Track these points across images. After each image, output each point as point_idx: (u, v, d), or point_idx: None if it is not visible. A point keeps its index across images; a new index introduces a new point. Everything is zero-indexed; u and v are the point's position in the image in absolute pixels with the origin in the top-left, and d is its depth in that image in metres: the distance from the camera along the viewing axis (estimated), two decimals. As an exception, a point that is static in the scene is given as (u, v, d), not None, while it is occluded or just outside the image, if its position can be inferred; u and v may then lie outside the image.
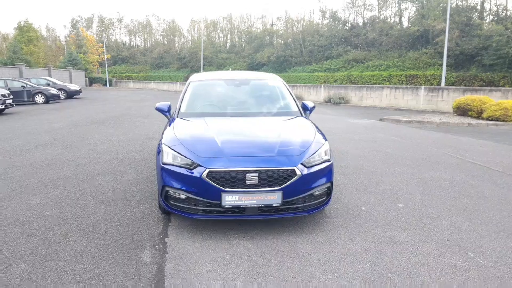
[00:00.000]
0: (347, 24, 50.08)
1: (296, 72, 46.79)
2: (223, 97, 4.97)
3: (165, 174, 3.61)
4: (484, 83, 28.72)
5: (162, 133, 4.29)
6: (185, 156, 3.53)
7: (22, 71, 28.22)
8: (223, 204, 3.39)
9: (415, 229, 3.81)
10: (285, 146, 3.65)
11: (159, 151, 3.90)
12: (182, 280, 2.87)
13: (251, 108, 4.75)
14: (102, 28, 70.54)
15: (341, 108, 21.35)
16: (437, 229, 3.83)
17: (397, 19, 48.65)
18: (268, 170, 3.40)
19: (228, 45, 63.74)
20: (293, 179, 3.44)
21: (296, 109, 4.79)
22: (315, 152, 3.67)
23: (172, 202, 3.61)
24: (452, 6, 34.45)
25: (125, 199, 4.64)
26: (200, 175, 3.39)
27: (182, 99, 4.80)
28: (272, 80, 5.37)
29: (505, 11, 39.55)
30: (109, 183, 5.33)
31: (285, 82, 5.31)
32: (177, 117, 4.55)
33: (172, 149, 3.66)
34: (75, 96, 25.43)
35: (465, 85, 27.34)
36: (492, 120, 13.58)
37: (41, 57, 41.08)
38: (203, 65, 50.53)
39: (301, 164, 3.51)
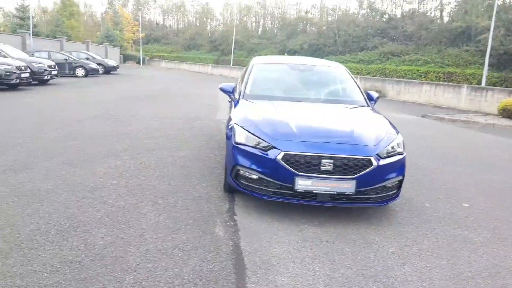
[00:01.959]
0: (384, 15, 48.74)
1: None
2: (288, 81, 4.94)
3: (238, 153, 3.63)
4: (528, 86, 27.44)
5: (230, 114, 4.32)
6: (259, 137, 3.54)
7: (63, 44, 28.95)
8: (295, 187, 3.39)
9: (486, 230, 3.72)
10: (361, 135, 3.60)
11: (229, 131, 3.93)
12: (260, 258, 2.90)
13: (317, 94, 4.71)
14: (138, 7, 71.18)
15: (378, 101, 20.91)
16: (510, 231, 3.72)
17: (437, 13, 46.99)
18: (343, 157, 3.37)
19: (260, 31, 63.25)
20: (368, 169, 3.40)
21: (362, 98, 4.71)
22: (389, 144, 3.61)
23: (243, 182, 3.64)
24: (499, 3, 32.86)
25: (185, 175, 4.71)
26: (275, 157, 3.39)
27: (247, 81, 4.78)
28: (336, 68, 5.30)
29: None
30: (166, 158, 5.42)
31: (348, 70, 5.22)
32: (242, 98, 4.55)
33: (246, 130, 3.67)
34: (111, 72, 25.91)
35: (506, 86, 26.23)
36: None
37: (81, 31, 41.99)
38: (234, 49, 50.38)
39: (377, 154, 3.46)
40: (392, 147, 3.62)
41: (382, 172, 3.47)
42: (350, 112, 4.25)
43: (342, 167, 3.37)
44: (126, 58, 47.26)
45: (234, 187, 3.80)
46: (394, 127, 3.98)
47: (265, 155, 3.45)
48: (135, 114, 9.26)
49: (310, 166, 3.37)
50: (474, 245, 3.38)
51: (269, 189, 3.50)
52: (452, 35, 39.80)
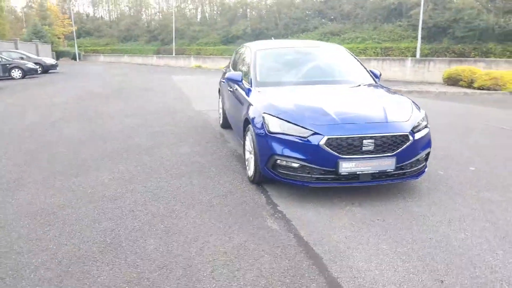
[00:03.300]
0: (322, -5, 49.66)
1: (272, 44, 46.27)
2: (296, 65, 4.86)
3: (274, 143, 3.54)
4: (455, 55, 29.60)
5: (249, 104, 4.18)
6: (297, 124, 3.47)
7: (-13, 44, 26.27)
8: (339, 171, 3.38)
9: (502, 189, 3.98)
10: (394, 112, 3.66)
11: (253, 121, 3.82)
12: (329, 246, 2.86)
13: (328, 76, 4.70)
14: (64, -1, 66.26)
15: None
16: (525, 189, 4.01)
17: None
18: (383, 136, 3.41)
19: (199, 17, 61.86)
20: (406, 144, 3.47)
21: (369, 76, 4.78)
22: (418, 118, 3.71)
23: (282, 171, 3.56)
24: (427, -22, 34.80)
25: (201, 172, 4.52)
26: (318, 143, 3.34)
27: (255, 69, 4.63)
28: (337, 49, 5.32)
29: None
30: (171, 156, 5.16)
31: (349, 50, 5.26)
32: (255, 86, 4.41)
33: (279, 118, 3.57)
34: (50, 71, 24.01)
35: (438, 56, 28.03)
36: (483, 89, 14.12)
37: (6, 29, 38.20)
38: (175, 37, 48.88)
39: (411, 129, 3.54)
40: (421, 121, 3.73)
41: (416, 146, 3.57)
42: (371, 91, 4.32)
43: (382, 146, 3.41)
44: (59, 55, 44.02)
45: (270, 177, 3.71)
46: (414, 103, 4.08)
47: (306, 142, 3.39)
48: (105, 112, 8.69)
49: (352, 148, 3.37)
50: (501, 204, 3.60)
51: (312, 175, 3.46)
52: (386, 12, 41.62)
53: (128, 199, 3.76)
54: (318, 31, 44.71)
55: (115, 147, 5.60)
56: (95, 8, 71.49)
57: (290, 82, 4.47)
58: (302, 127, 3.44)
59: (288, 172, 3.53)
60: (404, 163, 3.53)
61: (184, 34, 55.43)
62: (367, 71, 4.87)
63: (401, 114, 3.66)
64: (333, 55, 5.20)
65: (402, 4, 40.03)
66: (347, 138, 3.35)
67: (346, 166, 3.37)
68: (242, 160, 4.95)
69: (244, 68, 5.05)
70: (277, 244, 2.89)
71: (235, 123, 5.10)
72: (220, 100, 6.81)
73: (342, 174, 3.39)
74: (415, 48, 25.67)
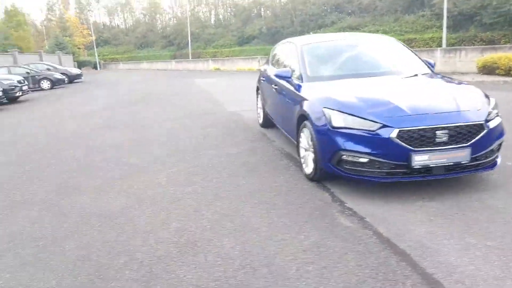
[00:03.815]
0: (338, -10, 49.11)
1: (289, 43, 46.01)
2: (346, 58, 4.74)
3: (339, 138, 3.44)
4: (484, 43, 28.68)
5: (302, 99, 4.10)
6: (363, 118, 3.36)
7: (16, 57, 26.84)
8: (412, 164, 3.25)
9: None
10: (466, 101, 3.51)
11: (311, 117, 3.74)
12: (413, 242, 2.75)
13: (382, 67, 4.57)
14: (81, 10, 67.67)
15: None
16: None
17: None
18: (457, 126, 3.27)
19: (213, 20, 62.15)
20: (481, 134, 3.33)
21: (424, 66, 4.62)
22: (491, 106, 3.56)
23: (348, 167, 3.46)
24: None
25: (254, 170, 4.47)
26: (389, 136, 3.23)
27: (303, 63, 4.54)
28: (386, 39, 5.20)
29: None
30: (219, 157, 5.12)
31: (398, 40, 5.11)
32: (306, 81, 4.32)
33: (342, 112, 3.47)
34: (75, 81, 24.53)
35: (464, 45, 27.27)
36: (521, 77, 13.64)
37: (31, 42, 39.23)
38: (190, 41, 49.25)
39: (485, 118, 3.39)
40: (493, 109, 3.57)
41: (491, 135, 3.42)
42: (434, 80, 4.18)
43: (456, 136, 3.28)
44: (80, 64, 44.90)
45: (333, 174, 3.61)
46: (482, 91, 3.92)
47: (375, 136, 3.28)
48: (141, 118, 8.76)
49: (425, 139, 3.24)
50: None
51: (382, 170, 3.35)
52: (406, 2, 40.70)
53: (190, 200, 3.73)
54: (336, 26, 44.17)
55: (162, 151, 5.60)
56: (111, 17, 72.70)
57: (342, 76, 4.35)
58: (369, 120, 3.33)
59: (355, 168, 3.43)
60: (478, 154, 3.38)
61: (199, 38, 55.75)
62: (421, 60, 4.71)
63: (473, 103, 3.51)
64: (383, 46, 5.07)
65: (424, -7, 39.05)
66: (419, 129, 3.23)
67: (419, 159, 3.24)
68: (292, 158, 4.87)
69: (290, 64, 4.95)
70: (357, 241, 2.80)
71: (284, 121, 5.02)
72: (259, 99, 6.74)
73: (414, 167, 3.27)
74: (440, 38, 25.00)
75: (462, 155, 3.29)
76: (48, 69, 22.49)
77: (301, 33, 46.08)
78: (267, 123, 6.46)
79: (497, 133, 3.49)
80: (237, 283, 2.38)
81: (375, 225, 3.03)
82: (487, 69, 15.07)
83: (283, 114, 4.94)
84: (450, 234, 2.84)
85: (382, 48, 5.03)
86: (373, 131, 3.30)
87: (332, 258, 2.61)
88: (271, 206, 3.47)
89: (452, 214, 3.16)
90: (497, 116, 3.59)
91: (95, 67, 47.99)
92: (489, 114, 3.46)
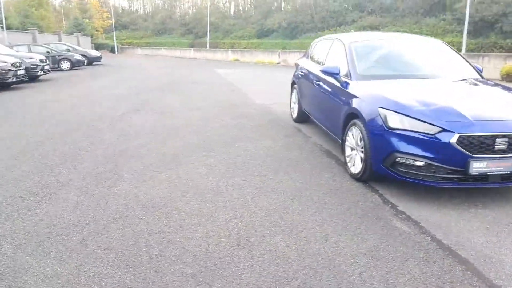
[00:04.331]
0: (360, -12, 48.54)
1: (309, 39, 45.53)
2: (395, 58, 4.64)
3: (395, 139, 3.35)
4: (503, 50, 28.17)
5: (352, 97, 4.01)
6: (422, 120, 3.27)
7: (35, 37, 26.99)
8: (469, 171, 3.16)
9: None
10: None
11: (363, 116, 3.67)
12: (475, 251, 2.67)
13: (432, 70, 4.46)
14: (101, -8, 67.77)
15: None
16: None
17: (411, -16, 47.01)
18: (518, 135, 3.16)
19: (232, 11, 61.86)
20: (540, 144, 3.21)
21: (474, 70, 4.50)
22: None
23: (403, 169, 3.37)
24: (475, -30, 33.31)
25: (295, 167, 4.40)
26: (449, 141, 3.14)
27: (353, 61, 4.44)
28: (435, 42, 5.08)
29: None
30: (256, 150, 5.06)
31: (448, 44, 4.99)
32: (355, 79, 4.23)
33: (400, 113, 3.38)
34: (95, 63, 24.61)
35: (484, 51, 26.81)
36: (547, 86, 13.34)
37: (52, 22, 39.44)
38: (209, 31, 49.07)
39: (544, 128, 3.27)
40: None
41: (550, 146, 3.29)
42: (488, 87, 4.08)
43: (517, 145, 3.17)
44: (98, 47, 45.04)
45: (386, 175, 3.53)
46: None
47: (435, 140, 3.19)
48: (169, 105, 8.73)
49: (484, 146, 3.15)
50: None
51: (437, 175, 3.26)
52: (428, 5, 40.15)
53: (234, 193, 3.68)
54: (357, 24, 43.67)
55: (196, 141, 5.55)
56: (130, 1, 72.70)
57: (392, 76, 4.25)
58: (429, 123, 3.23)
59: (410, 171, 3.34)
60: (535, 164, 3.27)
61: (219, 28, 55.55)
62: (471, 65, 4.59)
63: (531, 112, 3.39)
64: (432, 48, 4.94)
65: (446, -3, 38.53)
66: (479, 136, 3.13)
67: (477, 166, 3.15)
68: (333, 156, 4.80)
69: (335, 61, 4.85)
70: (417, 247, 2.73)
71: (326, 118, 4.93)
72: (295, 94, 6.65)
73: (471, 174, 3.18)
74: (460, 42, 24.60)
75: (519, 164, 3.19)
76: (68, 50, 22.58)
77: (321, 29, 45.64)
78: (302, 118, 6.38)
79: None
80: (299, 285, 2.33)
81: (432, 231, 2.95)
82: (511, 77, 14.80)
83: (326, 110, 4.85)
84: (511, 244, 2.76)
85: (431, 50, 4.90)
86: (432, 134, 3.21)
87: (394, 264, 2.54)
88: (321, 205, 3.41)
89: (508, 223, 3.08)
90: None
91: (112, 51, 48.11)
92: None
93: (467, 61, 4.65)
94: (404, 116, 3.35)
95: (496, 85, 4.22)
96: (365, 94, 3.88)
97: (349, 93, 4.14)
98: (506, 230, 2.97)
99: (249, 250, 2.70)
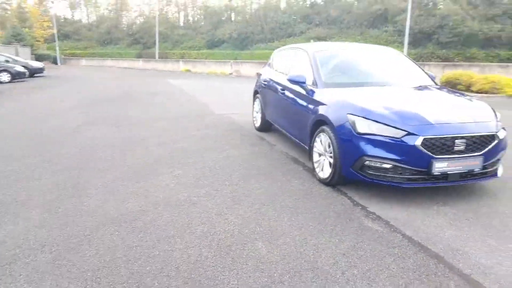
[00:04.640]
0: (307, 0, 50.31)
1: (259, 49, 46.35)
2: (357, 67, 4.88)
3: (364, 143, 3.53)
4: (440, 60, 30.53)
5: (319, 105, 4.16)
6: (389, 125, 3.46)
7: (-31, 47, 25.13)
8: (432, 171, 3.39)
9: None
10: (480, 113, 3.73)
11: (331, 122, 3.82)
12: (443, 245, 2.86)
13: (392, 77, 4.73)
14: (41, 1, 64.49)
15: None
16: None
17: (356, -3, 49.32)
18: (473, 136, 3.45)
19: (182, 21, 61.47)
20: (492, 144, 3.54)
21: (428, 78, 4.84)
22: (497, 118, 3.78)
23: (371, 172, 3.55)
24: (412, -15, 35.84)
25: (266, 175, 4.45)
26: (414, 144, 3.35)
27: (318, 70, 4.60)
28: (391, 51, 5.41)
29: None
30: (224, 159, 5.07)
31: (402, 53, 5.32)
32: (321, 87, 4.39)
33: (369, 119, 3.56)
34: (36, 75, 23.26)
35: (423, 61, 28.81)
36: (481, 93, 14.58)
37: (-12, 31, 36.79)
38: (158, 41, 48.34)
39: (496, 129, 3.60)
40: (498, 121, 3.79)
41: (499, 145, 3.64)
42: (444, 92, 4.41)
43: (472, 145, 3.46)
44: (39, 58, 42.62)
45: (355, 179, 3.69)
46: (487, 104, 4.15)
47: (401, 143, 3.39)
48: (127, 117, 8.43)
49: (445, 148, 3.40)
50: None
51: (403, 176, 3.46)
52: (371, 18, 42.47)
53: (209, 203, 3.66)
54: (305, 36, 45.10)
55: (161, 152, 5.44)
56: (73, 10, 69.84)
57: (356, 84, 4.46)
58: (395, 127, 3.44)
59: (378, 173, 3.52)
60: (488, 163, 3.58)
61: (168, 38, 54.88)
62: (425, 72, 4.93)
63: (485, 114, 3.73)
64: (389, 57, 5.25)
65: (388, 10, 40.99)
66: (441, 138, 3.38)
67: (439, 166, 3.39)
68: (299, 162, 4.92)
69: (299, 70, 4.99)
70: (391, 245, 2.88)
71: (292, 126, 5.04)
72: (257, 104, 6.74)
73: (434, 174, 3.41)
74: (402, 52, 26.35)
75: (475, 163, 3.48)
76: (7, 61, 21.15)
77: (271, 40, 46.61)
78: (265, 127, 6.48)
79: (503, 144, 3.73)
80: None
81: (402, 229, 3.13)
82: (450, 85, 15.98)
83: (293, 118, 4.97)
84: (473, 238, 2.99)
85: (389, 59, 5.21)
86: (398, 138, 3.41)
87: (373, 261, 2.66)
88: (295, 210, 3.49)
89: (467, 218, 3.32)
90: (503, 128, 3.82)
91: (54, 62, 45.76)
92: (497, 125, 3.68)
93: (422, 69, 5.00)
94: (372, 122, 3.54)
95: (450, 91, 4.57)
96: (332, 101, 4.03)
97: (316, 100, 4.29)
98: (467, 224, 3.21)
99: (232, 259, 2.70)
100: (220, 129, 6.98)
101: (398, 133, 3.41)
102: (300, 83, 4.63)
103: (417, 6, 37.00)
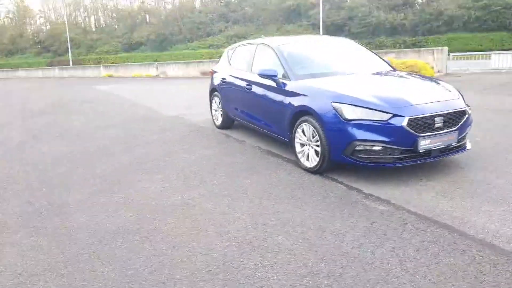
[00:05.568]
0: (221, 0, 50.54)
1: (179, 50, 45.62)
2: (321, 58, 5.01)
3: (353, 129, 3.65)
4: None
5: (295, 96, 4.25)
6: (376, 109, 3.63)
7: None
8: (418, 149, 3.63)
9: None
10: (449, 92, 4.07)
11: (317, 112, 3.91)
12: (448, 216, 3.05)
13: (357, 66, 4.94)
14: None
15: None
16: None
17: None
18: (448, 113, 3.76)
19: (93, 25, 58.11)
20: (464, 119, 3.89)
21: (386, 64, 5.15)
22: (462, 95, 4.17)
23: (363, 156, 3.68)
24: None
25: (250, 170, 4.40)
26: (401, 124, 3.55)
27: (287, 63, 4.66)
28: (347, 41, 5.65)
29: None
30: (198, 160, 4.90)
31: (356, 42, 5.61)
32: (294, 79, 4.46)
33: (354, 105, 3.69)
34: None
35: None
36: (401, 77, 15.93)
37: None
38: (70, 47, 45.11)
39: (466, 105, 3.98)
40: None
41: (468, 120, 4.01)
42: (410, 76, 4.74)
43: (448, 122, 3.77)
44: None
45: (348, 163, 3.81)
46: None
47: (387, 125, 3.57)
48: (72, 127, 7.74)
49: (427, 126, 3.65)
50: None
51: (392, 156, 3.66)
52: (286, 13, 44.09)
53: (207, 204, 3.53)
54: (224, 34, 45.36)
55: (127, 160, 5.10)
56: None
57: (325, 74, 4.58)
58: (381, 111, 3.61)
59: (369, 156, 3.67)
60: (461, 137, 3.93)
61: (81, 44, 51.70)
62: (383, 59, 5.25)
63: (452, 93, 4.08)
64: (347, 46, 5.49)
65: (300, 5, 42.88)
66: (423, 117, 3.63)
67: (423, 144, 3.64)
68: (275, 155, 4.95)
69: (265, 65, 5.00)
70: (402, 222, 3.01)
71: (266, 119, 5.01)
72: (216, 102, 6.62)
73: (419, 151, 3.65)
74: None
75: (452, 138, 3.80)
76: None
77: (190, 40, 46.10)
78: (227, 124, 6.41)
79: (470, 119, 4.12)
80: (328, 275, 2.37)
81: (404, 206, 3.29)
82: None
83: (266, 112, 4.97)
84: (469, 207, 3.22)
85: (347, 48, 5.46)
86: (385, 120, 3.59)
87: (394, 239, 2.76)
88: (296, 200, 3.50)
89: (454, 190, 3.59)
90: (467, 105, 4.22)
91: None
92: (464, 102, 4.06)
93: (379, 56, 5.31)
94: (358, 107, 3.68)
95: (412, 74, 4.92)
96: (312, 92, 4.11)
97: (292, 92, 4.34)
98: (457, 195, 3.45)
99: (260, 255, 2.64)
100: (179, 131, 6.73)
101: (384, 116, 3.59)
102: (272, 77, 4.64)
103: (327, 0, 39.29)
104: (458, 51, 22.17)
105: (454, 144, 3.85)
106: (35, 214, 3.48)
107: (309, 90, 4.18)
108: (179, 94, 13.98)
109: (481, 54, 19.53)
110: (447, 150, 3.89)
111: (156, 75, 26.82)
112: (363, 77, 4.53)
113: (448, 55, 17.49)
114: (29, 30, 58.06)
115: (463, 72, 16.79)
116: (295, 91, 4.32)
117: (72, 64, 42.50)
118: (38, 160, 5.30)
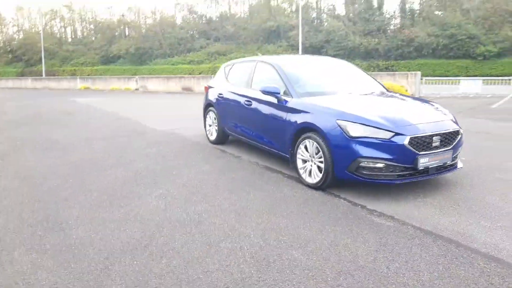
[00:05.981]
0: (203, 17, 51.00)
1: (158, 64, 45.49)
2: (322, 77, 5.18)
3: (358, 146, 3.77)
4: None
5: (300, 112, 4.35)
6: (378, 127, 3.77)
7: None
8: (418, 166, 3.79)
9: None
10: (444, 113, 4.27)
11: (321, 129, 4.03)
12: (451, 231, 3.20)
13: (356, 86, 5.14)
14: None
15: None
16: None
17: (247, 15, 51.56)
18: (445, 133, 3.96)
19: (70, 36, 57.16)
20: (457, 138, 4.10)
21: (380, 85, 5.36)
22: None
23: (366, 172, 3.81)
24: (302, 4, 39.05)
25: (252, 186, 4.44)
26: (403, 143, 3.71)
27: (288, 81, 4.77)
28: (346, 63, 5.87)
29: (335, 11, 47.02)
30: (199, 175, 4.89)
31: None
32: (296, 97, 4.57)
33: (359, 123, 3.83)
34: None
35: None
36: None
37: None
38: (44, 58, 44.14)
39: (459, 126, 4.19)
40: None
41: (461, 140, 4.23)
42: (406, 98, 4.96)
43: (444, 141, 3.96)
44: None
45: (352, 180, 3.92)
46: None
47: (391, 143, 3.72)
48: (54, 140, 7.52)
49: (425, 145, 3.83)
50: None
51: (394, 173, 3.80)
52: (266, 33, 44.95)
53: (215, 219, 3.53)
54: (205, 50, 45.61)
55: (123, 174, 5.02)
56: None
57: (325, 92, 4.73)
58: (384, 129, 3.76)
59: (372, 173, 3.80)
60: (454, 155, 4.13)
61: (55, 54, 50.66)
62: (377, 82, 5.47)
63: (446, 114, 4.30)
64: (344, 67, 5.69)
65: (280, 27, 43.86)
66: (423, 136, 3.80)
67: (423, 161, 3.80)
68: (275, 170, 5.01)
69: (265, 82, 5.09)
70: (410, 236, 3.12)
71: (266, 135, 5.07)
72: (212, 117, 6.65)
73: (419, 169, 3.81)
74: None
75: (448, 156, 4.00)
76: None
77: (171, 55, 46.04)
78: (221, 139, 6.44)
79: (462, 140, 4.34)
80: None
81: (408, 221, 3.42)
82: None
83: (266, 128, 5.04)
84: (468, 222, 3.40)
85: (344, 69, 5.66)
86: (388, 139, 3.74)
87: (405, 253, 2.87)
88: (304, 216, 3.56)
89: (451, 206, 3.76)
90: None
91: None
92: (457, 123, 4.28)
93: (374, 78, 5.53)
94: (362, 125, 3.82)
95: (406, 96, 5.14)
96: (316, 109, 4.23)
97: (295, 109, 4.44)
98: (455, 211, 3.62)
99: (277, 271, 2.66)
100: (173, 146, 6.70)
101: (387, 135, 3.75)
102: (275, 94, 4.74)
103: (306, 22, 40.55)
104: (427, 76, 23.35)
105: (449, 162, 4.04)
106: (31, 230, 3.36)
107: (312, 107, 4.30)
108: (165, 108, 13.91)
109: (452, 80, 20.64)
110: (443, 168, 4.08)
111: (136, 89, 26.56)
112: (362, 97, 4.71)
113: (421, 79, 18.29)
114: (0, 38, 56.43)
115: (435, 96, 17.54)
116: (297, 108, 4.43)
117: (46, 75, 41.52)
118: (26, 175, 5.13)
